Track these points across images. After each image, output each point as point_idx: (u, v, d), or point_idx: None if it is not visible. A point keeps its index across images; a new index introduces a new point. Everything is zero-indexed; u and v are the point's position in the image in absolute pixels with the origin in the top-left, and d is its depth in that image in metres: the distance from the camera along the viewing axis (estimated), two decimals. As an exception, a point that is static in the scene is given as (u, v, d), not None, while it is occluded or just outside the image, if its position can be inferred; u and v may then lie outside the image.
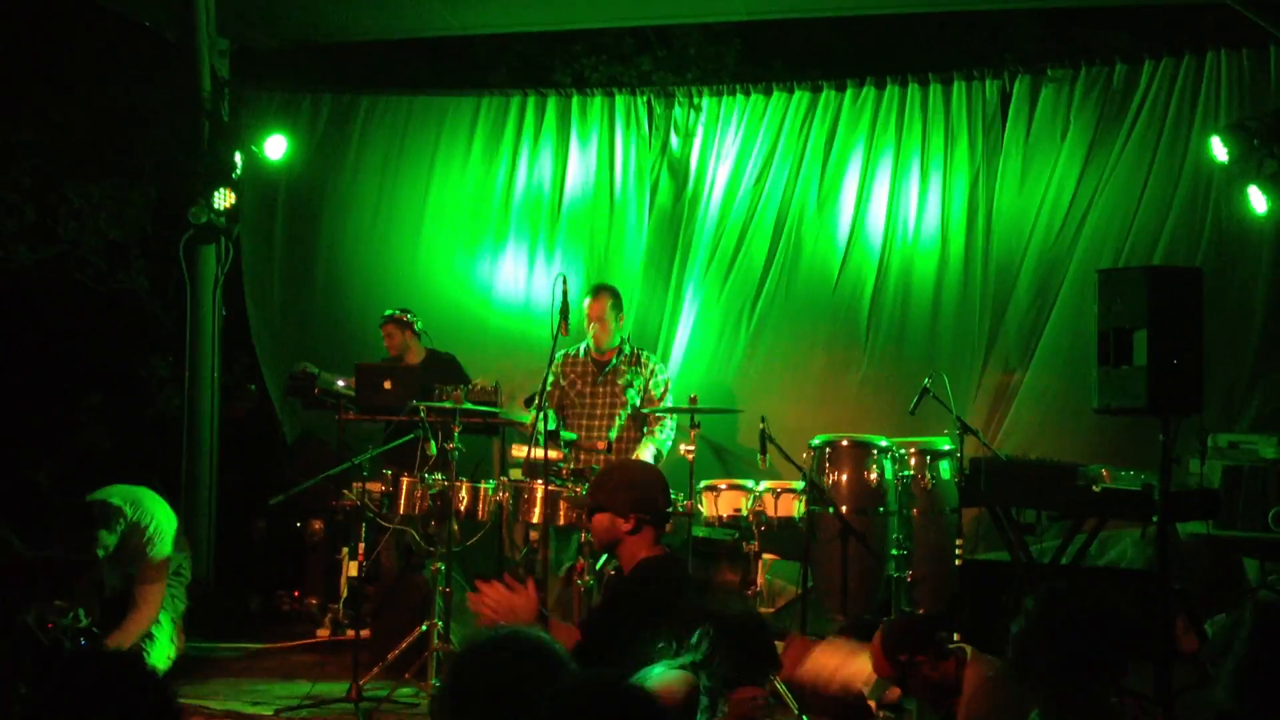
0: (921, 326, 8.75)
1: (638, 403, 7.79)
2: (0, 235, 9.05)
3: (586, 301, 7.88)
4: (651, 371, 7.90)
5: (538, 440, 6.68)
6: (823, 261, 9.00)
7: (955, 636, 5.78)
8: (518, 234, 9.65)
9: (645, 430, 7.79)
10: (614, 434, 7.70)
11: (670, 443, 7.77)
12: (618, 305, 7.97)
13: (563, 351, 7.92)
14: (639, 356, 7.98)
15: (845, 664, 5.55)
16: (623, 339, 8.00)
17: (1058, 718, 3.36)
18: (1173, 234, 8.19)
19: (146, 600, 6.94)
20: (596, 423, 7.81)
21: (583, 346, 7.97)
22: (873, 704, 5.37)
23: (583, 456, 7.57)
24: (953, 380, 7.36)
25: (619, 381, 7.82)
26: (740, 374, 9.05)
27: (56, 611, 6.52)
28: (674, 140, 9.45)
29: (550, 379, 7.39)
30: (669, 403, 7.85)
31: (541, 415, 6.86)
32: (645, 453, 7.59)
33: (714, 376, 9.01)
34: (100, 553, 6.84)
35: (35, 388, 9.72)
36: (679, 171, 9.43)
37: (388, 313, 8.61)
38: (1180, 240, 8.14)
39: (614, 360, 7.88)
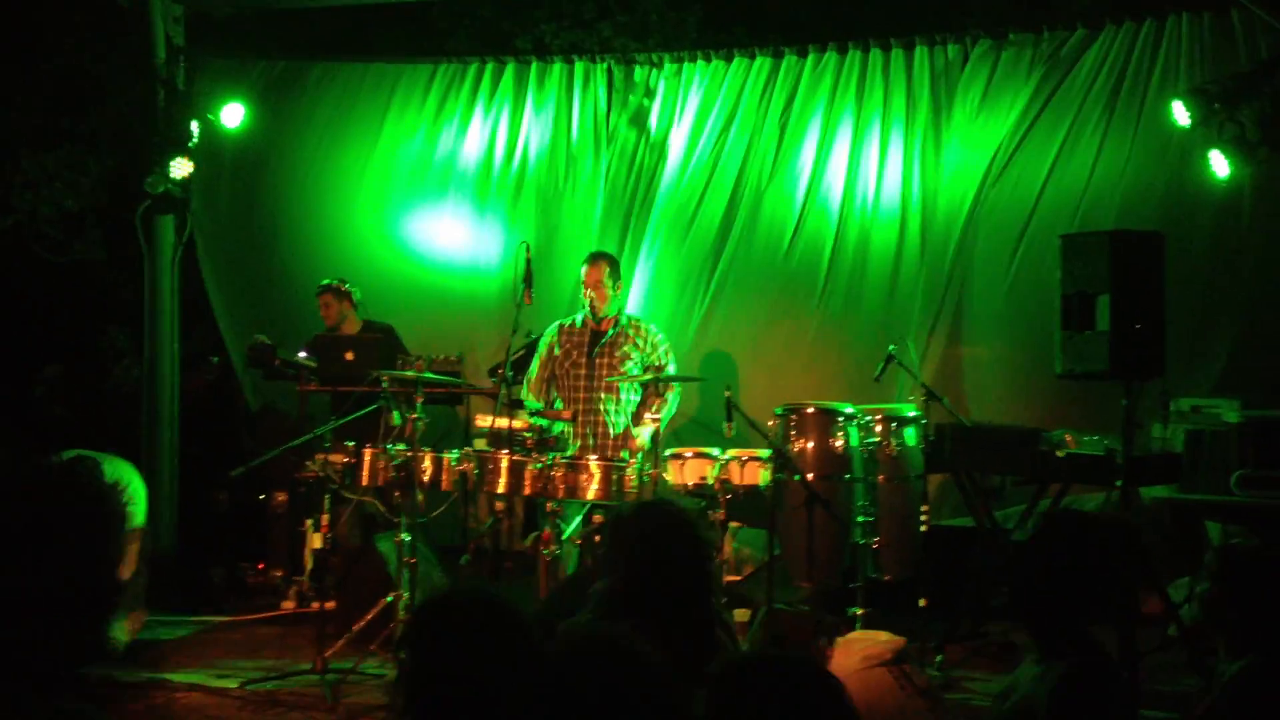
0: (880, 291, 8.76)
1: (639, 374, 7.46)
2: (-46, 207, 8.93)
3: (583, 269, 7.59)
4: (653, 344, 7.57)
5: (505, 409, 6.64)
6: (781, 225, 8.99)
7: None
8: (473, 199, 9.62)
9: (645, 407, 7.46)
10: (619, 414, 7.54)
11: (673, 412, 7.59)
12: (615, 273, 7.62)
13: (558, 322, 7.75)
14: (639, 326, 7.65)
15: (860, 651, 5.61)
16: (620, 310, 7.71)
17: (1050, 657, 3.34)
18: (1129, 197, 8.22)
19: (126, 557, 6.92)
20: (586, 394, 7.49)
21: (580, 316, 7.62)
22: None
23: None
24: (915, 345, 7.38)
25: (616, 354, 7.51)
26: (699, 337, 9.04)
27: None
28: (633, 106, 9.41)
29: (516, 348, 7.32)
30: (671, 369, 7.67)
31: (504, 384, 6.81)
32: (644, 435, 7.39)
33: (671, 341, 8.96)
34: None
35: (-9, 360, 9.62)
36: (637, 136, 9.40)
37: (325, 282, 8.54)
38: (1138, 203, 8.16)
39: (610, 331, 7.55)
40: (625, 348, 7.52)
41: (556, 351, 7.62)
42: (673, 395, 7.46)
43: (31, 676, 2.15)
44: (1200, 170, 7.82)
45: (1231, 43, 7.99)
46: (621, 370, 7.48)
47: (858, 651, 5.61)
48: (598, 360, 7.52)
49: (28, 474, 2.26)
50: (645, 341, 7.57)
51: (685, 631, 3.54)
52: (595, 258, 7.68)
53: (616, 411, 7.48)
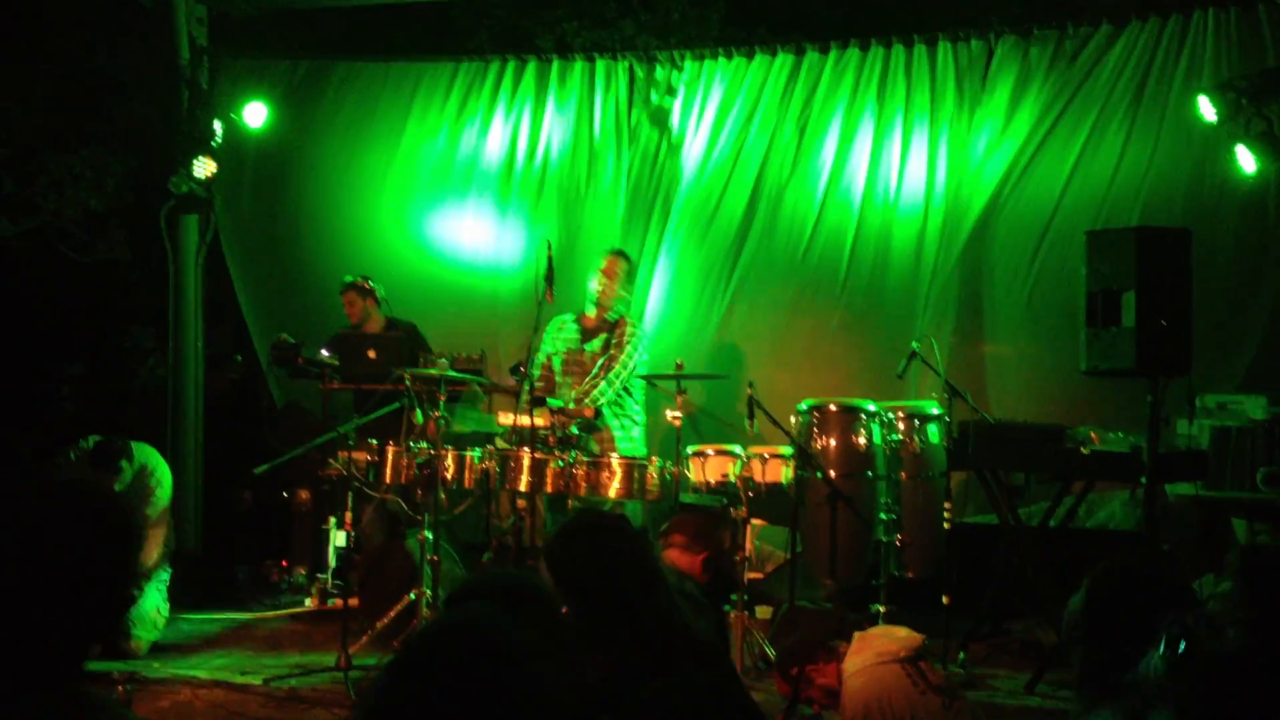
0: (901, 287, 8.71)
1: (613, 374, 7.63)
2: (-19, 206, 8.98)
3: (604, 257, 7.84)
4: (628, 334, 7.67)
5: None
6: (801, 222, 8.95)
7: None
8: (495, 197, 9.61)
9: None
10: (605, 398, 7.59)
11: (610, 396, 7.62)
12: (630, 275, 7.90)
13: (558, 317, 7.83)
14: (620, 329, 7.75)
15: (876, 646, 5.61)
16: (623, 313, 7.82)
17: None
18: (1154, 193, 8.16)
19: (150, 541, 7.04)
20: (577, 390, 7.60)
21: (573, 315, 7.75)
22: None
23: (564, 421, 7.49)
24: (936, 342, 7.35)
25: (588, 354, 7.67)
26: (719, 334, 9.02)
27: None
28: (654, 103, 9.39)
29: (537, 345, 7.33)
30: (639, 361, 7.72)
31: (528, 382, 6.81)
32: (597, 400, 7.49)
33: (691, 338, 8.98)
34: (119, 485, 6.94)
35: (17, 359, 9.65)
36: (659, 135, 9.37)
37: (348, 279, 8.55)
38: (1162, 200, 8.10)
39: (600, 331, 7.69)
40: (605, 339, 7.66)
41: (549, 347, 7.71)
42: (618, 365, 7.56)
43: (48, 669, 2.22)
44: (1226, 166, 7.76)
45: (1258, 38, 7.92)
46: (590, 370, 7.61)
47: (873, 647, 5.60)
48: (580, 359, 7.65)
49: (59, 496, 2.36)
50: (619, 330, 7.64)
51: (647, 632, 3.49)
52: (618, 252, 7.93)
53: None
